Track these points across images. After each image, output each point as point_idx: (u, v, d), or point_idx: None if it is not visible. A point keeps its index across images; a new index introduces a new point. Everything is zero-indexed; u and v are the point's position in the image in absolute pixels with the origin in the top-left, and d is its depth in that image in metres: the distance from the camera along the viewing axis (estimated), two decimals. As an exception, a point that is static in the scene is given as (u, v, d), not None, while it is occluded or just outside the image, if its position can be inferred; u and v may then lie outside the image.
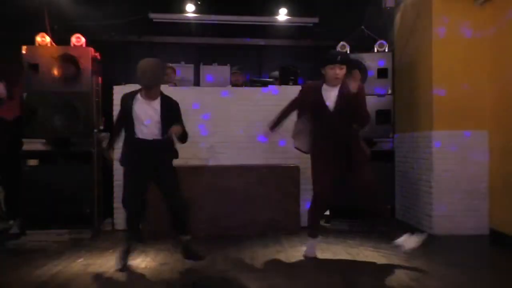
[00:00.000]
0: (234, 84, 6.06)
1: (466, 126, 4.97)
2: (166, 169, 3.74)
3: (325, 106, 3.82)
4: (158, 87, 3.72)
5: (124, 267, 3.65)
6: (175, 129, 3.57)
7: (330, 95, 3.82)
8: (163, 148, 3.70)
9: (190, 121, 5.39)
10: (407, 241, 3.82)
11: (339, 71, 3.74)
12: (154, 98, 3.69)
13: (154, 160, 3.67)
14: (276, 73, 6.19)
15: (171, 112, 3.70)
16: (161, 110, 3.66)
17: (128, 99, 3.72)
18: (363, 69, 5.36)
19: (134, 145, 3.65)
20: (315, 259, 4.02)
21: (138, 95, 3.72)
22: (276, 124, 4.12)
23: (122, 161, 3.77)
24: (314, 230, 4.08)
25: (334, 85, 3.81)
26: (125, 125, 3.73)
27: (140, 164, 3.65)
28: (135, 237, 3.86)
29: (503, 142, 4.72)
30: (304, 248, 4.12)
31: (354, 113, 3.80)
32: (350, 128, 3.89)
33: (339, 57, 3.78)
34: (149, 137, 3.65)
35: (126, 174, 3.73)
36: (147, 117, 3.64)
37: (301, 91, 4.12)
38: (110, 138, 4.00)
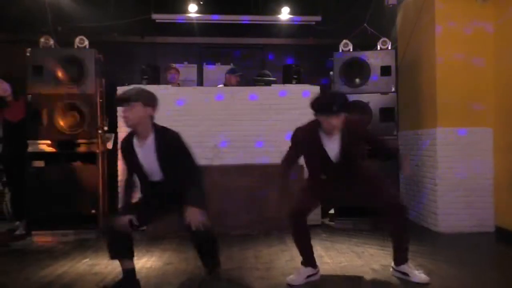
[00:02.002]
0: (225, 85, 6.07)
1: (470, 123, 4.95)
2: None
3: (328, 158, 3.29)
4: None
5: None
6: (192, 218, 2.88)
7: (331, 145, 3.28)
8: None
9: (194, 120, 5.43)
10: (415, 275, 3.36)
11: (336, 121, 3.14)
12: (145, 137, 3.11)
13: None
14: (265, 72, 6.19)
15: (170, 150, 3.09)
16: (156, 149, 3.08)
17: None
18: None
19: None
20: (320, 257, 4.01)
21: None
22: (285, 193, 3.41)
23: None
24: (302, 257, 3.47)
25: (333, 134, 3.26)
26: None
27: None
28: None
29: (508, 139, 4.69)
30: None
31: (378, 154, 3.48)
32: (356, 168, 3.38)
33: (334, 107, 3.10)
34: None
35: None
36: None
37: (293, 139, 3.43)
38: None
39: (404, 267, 3.37)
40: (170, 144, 3.08)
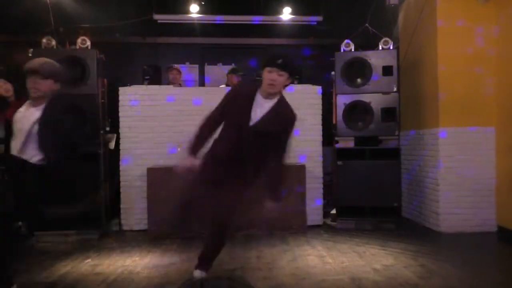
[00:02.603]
0: (227, 85, 6.08)
1: (472, 122, 4.95)
2: None
3: (247, 120, 2.96)
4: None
5: None
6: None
7: (258, 110, 2.98)
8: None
9: (195, 120, 5.41)
10: None
11: (277, 78, 2.89)
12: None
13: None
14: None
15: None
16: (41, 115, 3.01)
17: None
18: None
19: None
20: (321, 257, 4.02)
21: None
22: (198, 146, 3.14)
23: None
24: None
25: (268, 95, 2.98)
26: None
27: None
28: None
29: (510, 139, 4.69)
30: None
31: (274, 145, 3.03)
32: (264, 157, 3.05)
33: (280, 60, 2.89)
34: None
35: None
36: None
37: (231, 93, 3.15)
38: None
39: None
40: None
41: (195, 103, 5.44)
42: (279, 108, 3.02)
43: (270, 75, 2.90)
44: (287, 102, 3.09)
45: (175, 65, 6.23)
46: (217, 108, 3.15)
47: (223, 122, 3.13)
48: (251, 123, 2.95)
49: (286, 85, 3.01)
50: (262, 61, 3.05)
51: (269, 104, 2.99)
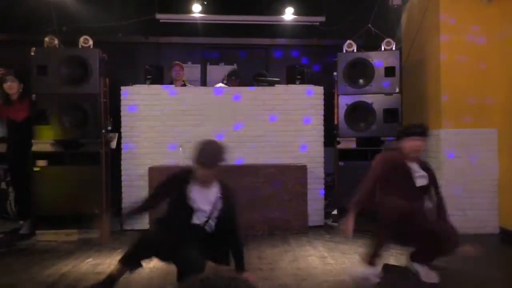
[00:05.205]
0: (226, 85, 6.07)
1: (475, 124, 4.93)
2: None
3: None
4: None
5: None
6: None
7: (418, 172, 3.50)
8: None
9: (197, 120, 5.43)
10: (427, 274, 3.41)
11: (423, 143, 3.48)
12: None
13: None
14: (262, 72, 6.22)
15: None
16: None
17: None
18: None
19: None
20: (323, 258, 4.01)
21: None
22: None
23: None
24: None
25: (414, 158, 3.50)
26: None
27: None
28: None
29: (512, 140, 4.68)
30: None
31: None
32: None
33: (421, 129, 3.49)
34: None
35: None
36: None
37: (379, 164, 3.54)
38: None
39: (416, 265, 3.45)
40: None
41: (196, 103, 5.44)
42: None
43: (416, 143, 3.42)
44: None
45: (177, 62, 6.22)
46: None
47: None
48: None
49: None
50: (409, 130, 3.51)
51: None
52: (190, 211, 3.01)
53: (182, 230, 2.97)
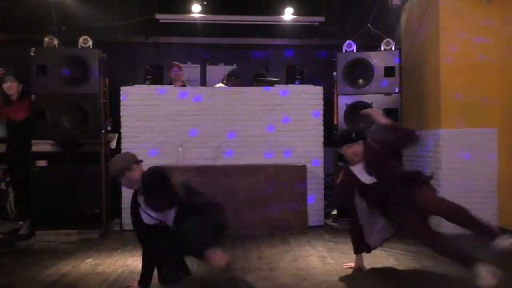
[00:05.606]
0: (226, 85, 6.07)
1: (475, 124, 4.94)
2: None
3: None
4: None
5: None
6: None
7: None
8: None
9: (197, 120, 5.43)
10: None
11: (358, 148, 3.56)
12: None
13: None
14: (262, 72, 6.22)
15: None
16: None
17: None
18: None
19: None
20: (323, 258, 4.01)
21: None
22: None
23: None
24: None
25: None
26: None
27: None
28: None
29: (512, 140, 4.68)
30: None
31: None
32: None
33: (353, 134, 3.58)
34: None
35: None
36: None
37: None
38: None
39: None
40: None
41: (196, 103, 5.44)
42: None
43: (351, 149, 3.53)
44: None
45: (176, 62, 6.22)
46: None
47: None
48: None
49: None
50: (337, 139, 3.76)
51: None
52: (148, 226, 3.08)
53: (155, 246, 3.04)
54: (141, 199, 3.08)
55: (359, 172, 3.56)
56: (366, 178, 3.53)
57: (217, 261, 2.77)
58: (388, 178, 3.45)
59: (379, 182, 3.46)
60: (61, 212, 4.91)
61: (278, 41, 7.27)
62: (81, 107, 5.01)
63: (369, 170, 3.52)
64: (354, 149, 3.53)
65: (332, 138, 3.71)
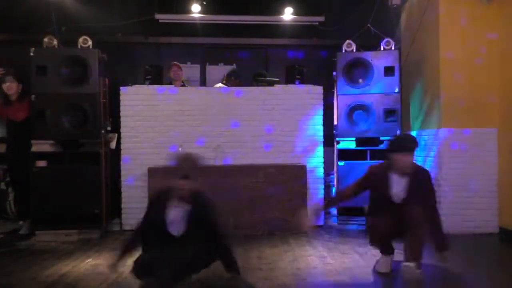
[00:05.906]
0: (226, 85, 6.07)
1: (475, 123, 4.94)
2: None
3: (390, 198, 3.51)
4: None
5: None
6: None
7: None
8: None
9: (197, 120, 5.43)
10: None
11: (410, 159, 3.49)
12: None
13: None
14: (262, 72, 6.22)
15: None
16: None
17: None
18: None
19: None
20: (323, 258, 4.01)
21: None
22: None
23: None
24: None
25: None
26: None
27: None
28: None
29: (512, 140, 4.68)
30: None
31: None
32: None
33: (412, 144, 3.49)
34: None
35: None
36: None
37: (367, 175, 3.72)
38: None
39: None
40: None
41: (196, 103, 5.44)
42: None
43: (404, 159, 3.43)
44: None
45: (175, 62, 6.22)
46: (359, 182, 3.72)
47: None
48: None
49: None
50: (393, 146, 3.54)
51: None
52: (167, 235, 3.12)
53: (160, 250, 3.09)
54: (180, 205, 3.15)
55: (396, 182, 3.46)
56: (398, 193, 3.45)
57: None
58: (412, 205, 3.37)
59: (403, 204, 3.42)
60: (61, 212, 4.91)
61: (278, 41, 7.27)
62: (81, 107, 5.01)
63: (410, 190, 3.42)
64: (408, 160, 3.43)
65: (389, 143, 3.60)
